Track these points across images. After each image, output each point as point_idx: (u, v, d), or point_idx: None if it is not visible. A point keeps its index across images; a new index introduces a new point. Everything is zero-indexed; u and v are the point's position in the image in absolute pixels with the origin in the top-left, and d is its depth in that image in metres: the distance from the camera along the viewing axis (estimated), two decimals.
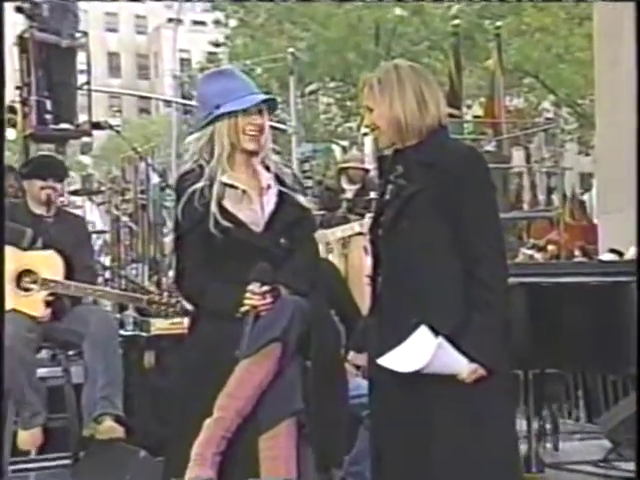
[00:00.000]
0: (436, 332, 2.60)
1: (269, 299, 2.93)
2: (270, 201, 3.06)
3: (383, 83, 2.78)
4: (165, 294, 4.47)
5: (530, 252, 13.27)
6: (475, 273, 2.66)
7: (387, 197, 2.83)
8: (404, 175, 2.78)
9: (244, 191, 3.05)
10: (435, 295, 2.68)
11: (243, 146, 3.05)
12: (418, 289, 2.69)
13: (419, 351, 2.59)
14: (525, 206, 16.58)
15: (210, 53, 32.82)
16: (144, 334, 5.19)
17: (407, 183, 2.75)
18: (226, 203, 3.01)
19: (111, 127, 7.96)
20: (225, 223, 2.96)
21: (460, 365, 2.62)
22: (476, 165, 2.75)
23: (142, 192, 9.23)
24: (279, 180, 3.10)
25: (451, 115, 12.07)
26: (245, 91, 3.07)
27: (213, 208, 2.96)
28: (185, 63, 40.62)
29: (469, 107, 22.09)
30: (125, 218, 9.09)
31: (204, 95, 3.12)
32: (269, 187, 3.08)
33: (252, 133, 3.04)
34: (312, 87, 27.67)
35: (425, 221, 2.70)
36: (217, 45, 29.36)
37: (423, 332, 2.61)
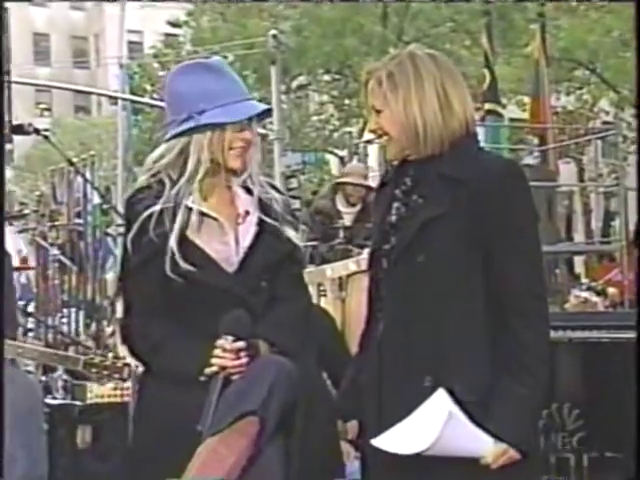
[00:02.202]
0: (457, 399, 2.59)
1: (244, 359, 2.92)
2: (248, 232, 3.06)
3: (396, 76, 2.78)
4: (110, 355, 4.44)
5: (584, 295, 13.25)
6: (508, 325, 2.67)
7: (393, 218, 2.83)
8: (419, 191, 2.78)
9: (215, 219, 3.04)
10: (457, 350, 2.68)
11: (229, 165, 3.05)
12: (435, 342, 2.69)
13: (427, 425, 2.58)
14: (577, 236, 16.63)
15: (168, 35, 33.01)
16: (77, 403, 5.17)
17: (424, 202, 2.76)
18: (190, 233, 3.00)
19: (37, 131, 7.94)
20: (186, 266, 2.94)
21: (483, 445, 2.61)
22: (517, 186, 2.76)
23: (78, 216, 9.23)
24: (263, 206, 3.10)
25: (492, 112, 12.10)
26: (238, 95, 3.07)
27: (172, 243, 2.96)
28: (135, 48, 40.84)
29: (503, 107, 22.22)
30: (55, 250, 9.07)
31: (181, 94, 3.09)
32: (247, 214, 3.08)
33: (239, 150, 3.04)
34: (300, 81, 27.82)
35: (448, 254, 2.70)
36: (177, 25, 29.52)
37: (441, 398, 2.60)
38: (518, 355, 2.64)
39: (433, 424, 2.56)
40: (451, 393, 2.60)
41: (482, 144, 2.96)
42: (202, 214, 3.03)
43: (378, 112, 2.81)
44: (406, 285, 2.74)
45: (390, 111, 2.78)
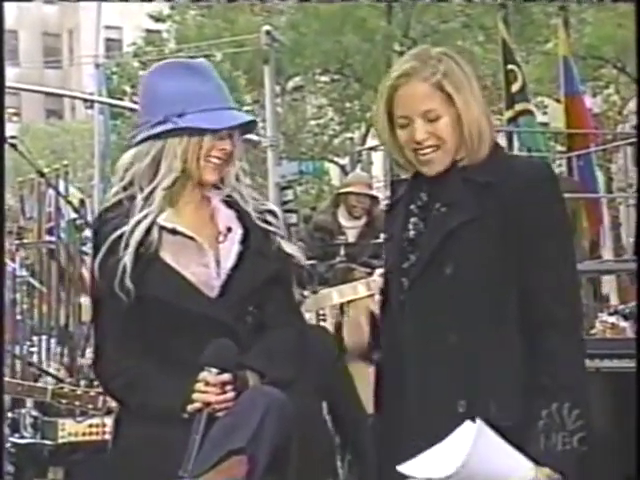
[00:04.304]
0: (492, 424, 2.57)
1: (230, 393, 2.90)
2: (230, 251, 3.03)
3: (455, 77, 2.80)
4: (82, 383, 4.43)
5: (612, 319, 13.20)
6: (543, 348, 2.68)
7: (411, 234, 2.84)
8: (442, 200, 2.80)
9: (192, 238, 3.02)
10: (491, 370, 2.69)
11: (203, 177, 3.03)
12: (466, 362, 2.70)
13: (458, 446, 2.56)
14: (605, 253, 16.62)
15: (149, 31, 33.10)
16: (48, 442, 5.15)
17: (448, 209, 2.77)
18: (165, 255, 2.98)
19: (3, 138, 7.97)
20: (129, 285, 2.91)
21: (518, 465, 2.59)
22: (551, 191, 2.79)
23: (49, 232, 9.21)
24: (247, 221, 3.07)
25: (525, 112, 11.98)
26: (222, 102, 3.07)
27: (126, 259, 2.93)
28: (114, 46, 40.96)
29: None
30: (24, 271, 9.06)
31: (159, 94, 3.07)
32: (229, 231, 3.05)
33: (216, 161, 3.03)
34: (296, 82, 27.87)
35: (478, 265, 2.71)
36: (160, 19, 29.60)
37: (473, 424, 2.57)
38: (553, 380, 2.66)
39: (463, 443, 2.55)
40: (486, 418, 2.59)
41: (518, 152, 2.99)
42: (176, 232, 3.00)
43: (432, 120, 2.79)
44: (432, 301, 2.75)
45: (450, 115, 2.78)
